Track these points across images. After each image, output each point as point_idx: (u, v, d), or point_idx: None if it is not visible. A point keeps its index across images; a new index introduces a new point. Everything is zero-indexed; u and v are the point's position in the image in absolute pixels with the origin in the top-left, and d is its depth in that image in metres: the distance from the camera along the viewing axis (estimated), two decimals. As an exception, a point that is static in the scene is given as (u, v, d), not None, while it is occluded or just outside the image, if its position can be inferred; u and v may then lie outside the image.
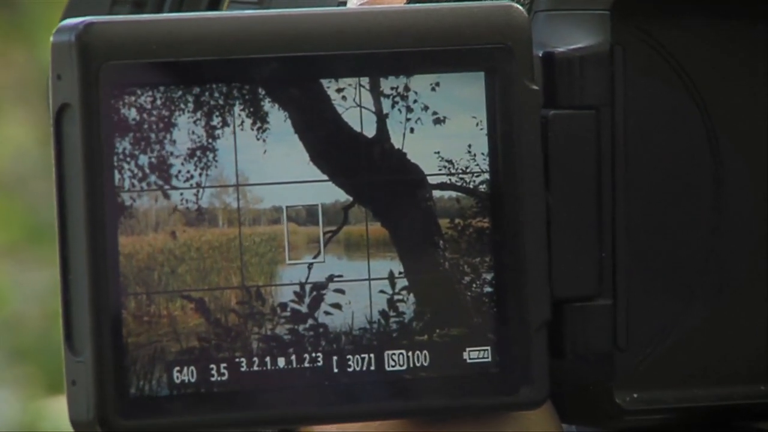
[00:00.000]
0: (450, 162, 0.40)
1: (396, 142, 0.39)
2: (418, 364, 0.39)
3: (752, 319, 0.45)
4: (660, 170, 0.43)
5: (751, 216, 0.44)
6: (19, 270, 2.31)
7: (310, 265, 0.39)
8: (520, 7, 0.41)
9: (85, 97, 0.37)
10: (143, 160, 0.38)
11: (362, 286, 0.39)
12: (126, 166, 0.38)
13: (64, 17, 0.45)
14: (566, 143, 0.41)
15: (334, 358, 0.39)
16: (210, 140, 0.38)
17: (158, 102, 0.38)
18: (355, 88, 0.39)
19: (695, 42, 0.43)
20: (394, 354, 0.39)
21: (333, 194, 0.39)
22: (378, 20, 0.41)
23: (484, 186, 0.40)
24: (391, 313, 0.39)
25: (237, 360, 0.38)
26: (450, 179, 0.40)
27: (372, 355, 0.39)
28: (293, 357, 0.39)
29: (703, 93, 0.43)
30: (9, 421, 2.22)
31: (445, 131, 0.40)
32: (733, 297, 0.43)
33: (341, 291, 0.39)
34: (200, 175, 0.38)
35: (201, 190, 0.38)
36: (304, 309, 0.39)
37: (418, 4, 0.43)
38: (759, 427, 0.43)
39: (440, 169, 0.40)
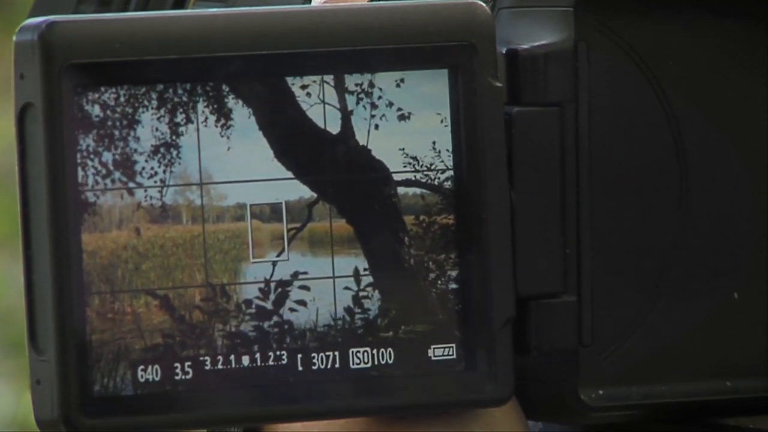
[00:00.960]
0: (415, 159, 0.39)
1: (361, 138, 0.39)
2: (383, 362, 0.39)
3: (716, 316, 0.43)
4: (625, 167, 0.42)
5: (716, 213, 0.43)
6: (11, 263, 2.32)
7: (274, 263, 0.38)
8: (484, 5, 0.40)
9: (47, 96, 0.37)
10: (107, 157, 0.37)
11: (327, 283, 0.39)
12: (89, 163, 0.37)
13: (30, 16, 0.44)
14: (530, 140, 0.41)
15: (299, 356, 0.38)
16: (174, 137, 0.38)
17: (122, 99, 0.37)
18: (320, 85, 0.38)
19: (659, 37, 0.43)
20: (359, 351, 0.39)
21: (297, 191, 0.39)
22: (342, 18, 0.40)
23: (449, 183, 0.39)
24: (356, 310, 0.39)
25: (201, 358, 0.38)
26: (415, 176, 0.39)
27: (337, 353, 0.39)
28: (258, 355, 0.38)
29: (667, 89, 0.43)
30: (3, 412, 2.23)
31: (409, 128, 0.39)
32: (697, 294, 0.42)
33: (306, 288, 0.39)
34: (164, 172, 0.38)
35: (165, 187, 0.38)
36: (269, 306, 0.38)
37: (382, 2, 0.42)
38: (724, 423, 0.42)
39: (405, 166, 0.39)
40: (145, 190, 0.38)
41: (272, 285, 0.38)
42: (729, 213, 0.43)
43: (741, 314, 0.43)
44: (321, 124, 0.39)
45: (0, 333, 2.23)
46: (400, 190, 0.39)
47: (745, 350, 0.43)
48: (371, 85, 0.39)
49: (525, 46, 0.40)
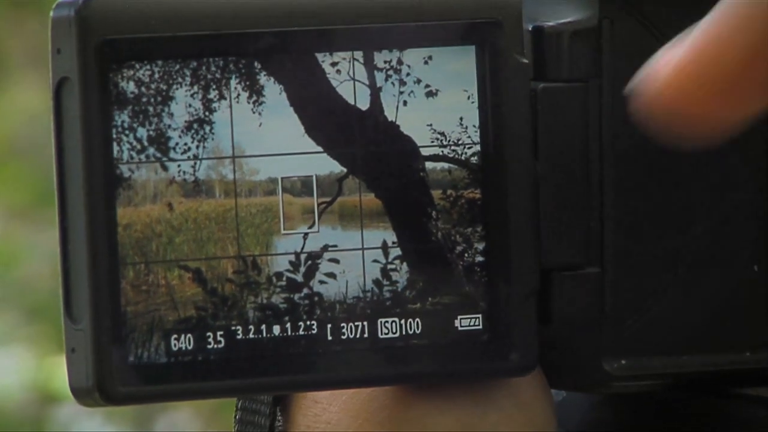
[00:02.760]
0: (442, 134, 0.39)
1: (389, 114, 0.38)
2: (410, 332, 0.39)
3: (737, 289, 0.43)
4: (647, 141, 0.43)
5: (736, 186, 0.43)
6: (32, 231, 2.31)
7: (305, 235, 0.38)
8: None
9: (83, 71, 0.37)
10: (141, 132, 0.37)
11: (356, 255, 0.39)
12: (124, 138, 0.37)
13: None
14: (555, 115, 0.40)
15: (329, 326, 0.38)
16: (207, 113, 0.37)
17: (156, 76, 0.37)
18: (349, 62, 0.38)
19: (682, 16, 0.40)
20: (387, 322, 0.39)
21: (327, 166, 0.39)
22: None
23: (475, 158, 0.39)
24: (385, 282, 0.39)
25: (233, 328, 0.38)
26: (442, 151, 0.39)
27: (365, 324, 0.39)
28: (288, 325, 0.38)
29: None
30: (24, 377, 2.22)
31: (437, 104, 0.39)
32: (718, 266, 0.42)
33: (336, 260, 0.39)
34: (197, 147, 0.38)
35: (198, 162, 0.38)
36: (299, 278, 0.38)
37: None
38: (744, 392, 0.42)
39: (432, 141, 0.39)
40: (179, 165, 0.37)
41: (302, 257, 0.38)
42: (749, 186, 0.43)
43: (762, 287, 0.43)
44: (351, 101, 0.39)
45: (20, 300, 2.19)
46: (428, 164, 0.39)
47: (765, 322, 0.43)
48: (399, 62, 0.39)
49: (551, 23, 0.40)
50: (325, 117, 0.38)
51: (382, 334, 0.38)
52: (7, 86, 2.37)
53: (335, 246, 0.38)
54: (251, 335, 0.38)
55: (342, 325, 0.38)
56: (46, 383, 2.25)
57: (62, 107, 0.37)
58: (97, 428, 2.27)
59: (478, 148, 0.39)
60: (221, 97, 0.37)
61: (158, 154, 0.37)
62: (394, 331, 0.38)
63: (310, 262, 0.38)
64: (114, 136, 0.37)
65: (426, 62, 0.38)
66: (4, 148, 2.42)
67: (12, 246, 2.32)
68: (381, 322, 0.38)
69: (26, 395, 2.27)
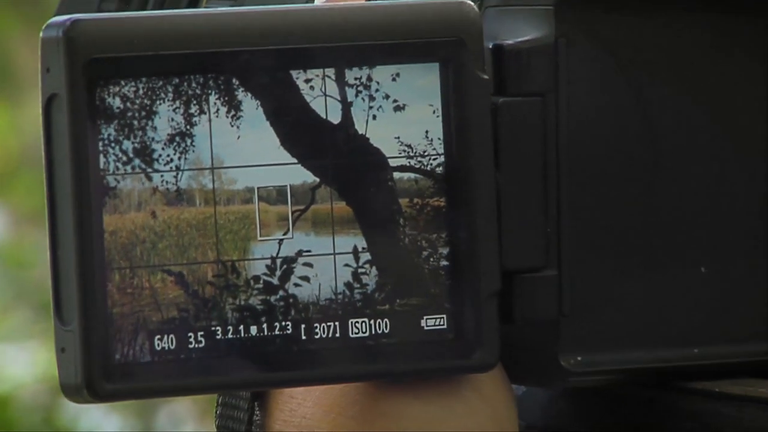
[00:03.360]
0: (409, 146, 0.40)
1: (360, 127, 0.40)
2: (379, 332, 0.40)
3: (685, 289, 0.44)
4: (601, 151, 0.43)
5: (684, 193, 0.44)
6: (44, 235, 2.49)
7: (280, 241, 0.39)
8: (472, 4, 0.41)
9: (71, 88, 0.38)
10: (127, 145, 0.38)
11: (328, 260, 0.40)
12: (111, 150, 0.38)
13: (57, 14, 0.45)
14: (514, 128, 0.42)
15: (303, 326, 0.40)
16: (188, 127, 0.39)
17: (140, 92, 0.38)
18: (322, 79, 0.39)
19: (636, 34, 0.44)
20: (357, 322, 0.40)
21: (301, 176, 0.40)
22: (342, 15, 0.41)
23: (440, 168, 0.40)
24: (355, 285, 0.40)
25: (213, 328, 0.39)
26: (409, 162, 0.40)
27: (337, 323, 0.40)
28: (265, 325, 0.39)
29: (640, 78, 0.44)
30: (36, 369, 2.32)
31: (404, 118, 0.40)
32: (667, 268, 0.43)
33: (309, 264, 0.40)
34: (179, 159, 0.39)
35: (180, 172, 0.39)
36: (275, 281, 0.39)
37: (378, 1, 0.43)
38: (692, 386, 0.43)
39: (400, 153, 0.40)
40: (162, 176, 0.39)
41: (278, 262, 0.40)
42: (696, 194, 0.44)
43: (707, 287, 0.44)
44: (323, 115, 0.40)
45: (33, 299, 2.30)
46: (396, 175, 0.40)
47: (710, 320, 0.44)
48: (369, 78, 0.40)
49: (510, 42, 0.42)
50: (299, 130, 0.39)
51: (352, 334, 0.40)
52: (21, 101, 2.47)
53: (309, 251, 0.39)
54: (230, 335, 0.39)
55: (315, 325, 0.39)
56: (57, 375, 2.37)
57: (51, 122, 0.38)
58: (102, 417, 2.35)
59: (442, 159, 0.40)
60: (201, 111, 0.38)
61: (143, 165, 0.38)
62: (364, 330, 0.40)
63: (285, 266, 0.39)
64: (101, 148, 0.38)
65: (394, 78, 0.40)
66: (18, 159, 2.53)
67: (25, 249, 2.42)
68: (352, 322, 0.40)
69: (38, 386, 2.34)
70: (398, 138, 0.40)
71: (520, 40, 0.42)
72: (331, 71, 0.40)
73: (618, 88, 0.44)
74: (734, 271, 0.45)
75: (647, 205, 0.44)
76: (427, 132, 0.40)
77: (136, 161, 0.38)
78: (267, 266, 0.39)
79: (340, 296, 0.40)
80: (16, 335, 2.45)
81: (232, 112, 0.39)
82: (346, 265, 0.40)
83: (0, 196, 2.68)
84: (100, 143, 0.38)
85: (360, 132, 0.40)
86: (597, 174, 0.43)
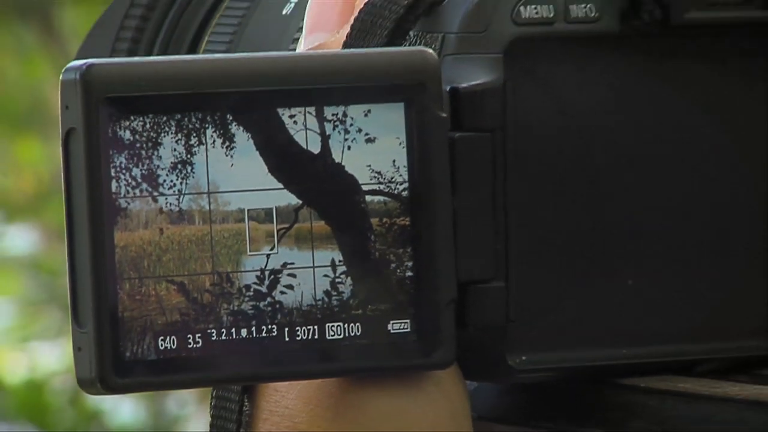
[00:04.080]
0: (379, 173, 0.42)
1: (336, 157, 0.42)
2: (352, 334, 0.42)
3: (617, 297, 0.47)
4: (545, 179, 0.46)
5: (618, 218, 0.46)
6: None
7: (267, 255, 0.42)
8: (432, 52, 0.43)
9: (86, 123, 0.40)
10: (136, 172, 0.40)
11: (309, 271, 0.42)
12: (122, 176, 0.40)
13: (76, 58, 0.46)
14: (468, 158, 0.44)
15: (286, 329, 0.42)
16: (188, 156, 0.41)
17: (147, 126, 0.41)
18: (304, 115, 0.42)
19: (572, 77, 0.46)
20: (333, 326, 0.42)
21: (286, 199, 0.42)
22: (321, 61, 0.44)
23: (405, 192, 0.43)
24: (333, 293, 0.42)
25: (209, 331, 0.41)
26: (379, 187, 0.42)
27: (316, 327, 0.42)
28: (254, 328, 0.41)
29: (580, 118, 0.46)
30: (67, 364, 2.45)
31: (374, 149, 0.42)
32: (601, 280, 0.46)
33: (293, 275, 0.42)
34: (181, 183, 0.41)
35: (181, 195, 0.41)
36: (264, 289, 0.42)
37: (353, 49, 0.45)
38: (620, 382, 0.45)
39: (371, 179, 0.42)
40: (166, 198, 0.41)
41: (266, 273, 0.42)
42: (627, 217, 0.47)
43: (635, 297, 0.46)
44: (305, 146, 0.42)
45: (62, 301, 2.46)
46: (368, 197, 0.42)
47: (637, 325, 0.47)
48: (344, 115, 0.42)
49: (464, 85, 0.44)
50: (284, 159, 0.42)
51: (329, 336, 0.42)
52: (52, 134, 2.51)
53: (293, 263, 0.42)
54: (224, 336, 0.41)
55: (297, 328, 0.42)
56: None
57: (70, 152, 0.41)
58: (120, 398, 2.47)
59: (407, 184, 0.42)
60: (200, 143, 0.41)
61: (150, 189, 0.40)
62: (339, 333, 0.42)
63: (272, 276, 0.41)
64: (113, 174, 0.40)
65: (366, 115, 0.42)
66: (49, 184, 2.61)
67: (55, 260, 2.54)
68: (328, 325, 0.42)
69: (67, 375, 2.48)
70: (369, 166, 0.42)
71: (473, 83, 0.44)
72: (311, 109, 0.42)
73: (559, 124, 0.46)
74: (658, 283, 0.47)
75: (585, 226, 0.46)
76: (394, 161, 0.43)
77: (144, 186, 0.40)
78: (257, 276, 0.41)
79: (319, 302, 0.42)
80: (48, 333, 2.64)
81: (227, 144, 0.41)
82: (325, 275, 0.42)
83: (34, 216, 2.81)
84: (113, 170, 0.40)
85: (336, 161, 0.42)
86: (541, 198, 0.46)
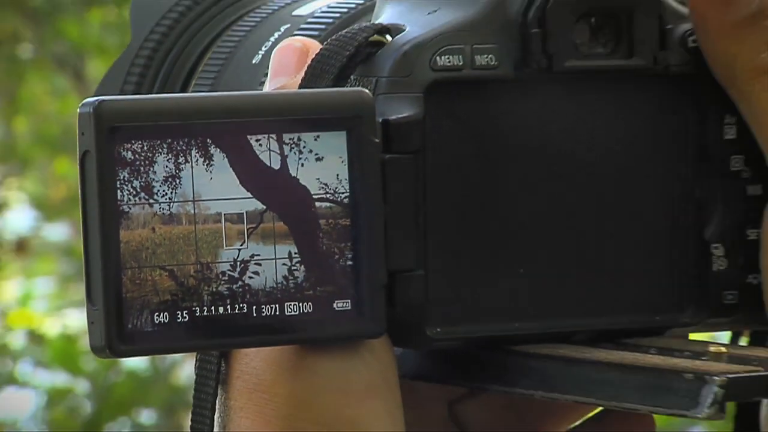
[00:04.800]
0: (326, 185, 0.46)
1: (293, 172, 0.45)
2: (305, 311, 0.46)
3: (513, 280, 0.50)
4: (458, 191, 0.49)
5: (520, 218, 0.49)
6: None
7: (239, 249, 0.45)
8: (368, 92, 0.47)
9: (98, 146, 0.43)
10: (136, 184, 0.44)
11: (272, 261, 0.45)
12: (125, 187, 0.43)
13: (95, 95, 0.50)
14: (395, 174, 0.47)
15: (254, 307, 0.45)
16: (177, 171, 0.44)
17: (145, 148, 0.44)
18: (268, 140, 0.45)
19: (480, 113, 0.49)
20: (290, 304, 0.45)
21: (254, 205, 0.45)
22: (282, 98, 0.47)
23: (347, 200, 0.46)
24: (290, 278, 0.45)
25: (194, 308, 0.44)
26: (326, 195, 0.46)
27: (277, 305, 0.45)
28: (228, 306, 0.45)
29: (488, 145, 0.49)
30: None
31: (322, 166, 0.46)
32: (502, 268, 0.49)
33: (259, 264, 0.45)
34: (171, 193, 0.44)
35: (171, 202, 0.44)
36: (236, 275, 0.45)
37: (307, 89, 0.48)
38: (514, 349, 0.49)
39: (320, 189, 0.46)
40: (159, 204, 0.44)
41: (238, 262, 0.45)
42: (524, 218, 0.49)
43: (526, 282, 0.50)
44: (268, 164, 0.45)
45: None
46: (317, 204, 0.46)
47: (527, 304, 0.50)
48: (299, 139, 0.45)
49: (393, 117, 0.47)
50: (252, 174, 0.45)
51: (287, 312, 0.45)
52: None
53: (258, 255, 0.45)
54: (205, 312, 0.44)
55: (262, 306, 0.45)
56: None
57: (85, 169, 0.44)
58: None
59: (348, 193, 0.46)
60: (186, 161, 0.44)
61: (146, 197, 0.44)
62: (295, 310, 0.45)
63: (242, 265, 0.45)
64: (118, 186, 0.43)
65: (316, 139, 0.45)
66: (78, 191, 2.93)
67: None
68: (287, 304, 0.45)
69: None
70: (318, 179, 0.46)
71: (400, 116, 0.47)
72: (273, 135, 0.45)
73: (468, 147, 0.49)
74: (543, 272, 0.50)
75: (488, 228, 0.49)
76: (337, 175, 0.46)
77: (142, 194, 0.44)
78: (230, 265, 0.45)
79: (279, 285, 0.45)
80: (78, 302, 3.05)
81: (207, 162, 0.44)
82: (284, 264, 0.45)
83: (67, 215, 3.43)
84: (118, 183, 0.43)
85: (293, 175, 0.45)
86: (453, 204, 0.49)
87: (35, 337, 3.17)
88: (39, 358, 3.16)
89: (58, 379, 3.12)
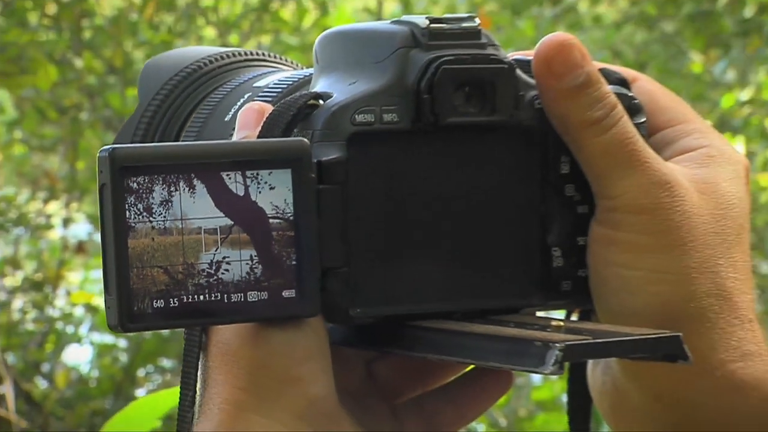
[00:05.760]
0: (277, 206, 0.51)
1: (253, 198, 0.51)
2: (263, 298, 0.51)
3: (416, 274, 0.55)
4: (375, 208, 0.54)
5: (423, 227, 0.54)
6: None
7: (214, 253, 0.50)
8: (307, 140, 0.52)
9: (112, 180, 0.49)
10: (140, 206, 0.49)
11: (238, 262, 0.51)
12: (132, 209, 0.49)
13: (114, 143, 0.55)
14: (326, 199, 0.52)
15: (225, 295, 0.50)
16: (169, 197, 0.49)
17: (146, 181, 0.49)
18: (234, 175, 0.50)
19: (389, 156, 0.54)
20: (252, 293, 0.51)
21: (225, 221, 0.50)
22: (245, 146, 0.53)
23: (291, 217, 0.51)
24: (252, 273, 0.51)
25: (182, 296, 0.50)
26: (277, 214, 0.51)
27: (241, 293, 0.50)
28: (207, 294, 0.50)
29: (393, 178, 0.54)
30: None
31: (274, 193, 0.51)
32: (409, 263, 0.55)
33: (229, 263, 0.50)
34: (165, 213, 0.49)
35: (165, 220, 0.49)
36: (212, 272, 0.50)
37: (263, 139, 0.52)
38: (413, 323, 0.54)
39: (272, 210, 0.51)
40: (156, 221, 0.49)
41: (214, 263, 0.50)
42: (425, 227, 0.54)
43: (425, 276, 0.55)
44: (235, 191, 0.50)
45: None
46: (270, 220, 0.51)
47: (424, 291, 0.55)
48: (257, 174, 0.51)
49: (324, 159, 0.52)
50: (224, 199, 0.50)
51: (249, 299, 0.50)
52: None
53: (228, 257, 0.50)
54: (190, 299, 0.50)
55: (231, 294, 0.50)
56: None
57: (103, 197, 0.49)
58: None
59: (292, 213, 0.51)
60: (176, 190, 0.49)
61: (147, 216, 0.49)
62: (255, 297, 0.51)
63: (217, 264, 0.50)
64: (127, 208, 0.48)
65: (269, 174, 0.50)
66: None
67: None
68: (248, 293, 0.50)
69: None
70: (271, 202, 0.51)
71: (329, 158, 0.52)
72: (239, 172, 0.50)
73: (380, 180, 0.54)
74: (437, 268, 0.55)
75: (397, 236, 0.54)
76: (285, 200, 0.51)
77: (144, 214, 0.49)
78: (208, 264, 0.50)
79: (243, 279, 0.50)
80: None
81: (191, 191, 0.50)
82: (246, 264, 0.50)
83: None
84: (126, 206, 0.49)
85: (253, 200, 0.50)
86: (369, 220, 0.54)
87: (90, 309, 4.07)
88: (93, 324, 4.06)
89: (106, 338, 4.00)
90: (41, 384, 3.69)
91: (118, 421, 1.15)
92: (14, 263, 3.74)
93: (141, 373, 4.01)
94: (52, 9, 3.54)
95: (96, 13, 3.59)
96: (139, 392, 3.74)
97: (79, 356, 3.98)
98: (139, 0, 3.55)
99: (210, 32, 3.71)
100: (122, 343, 3.88)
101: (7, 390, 2.96)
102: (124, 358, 3.87)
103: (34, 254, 3.93)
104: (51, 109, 3.63)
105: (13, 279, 3.73)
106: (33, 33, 3.39)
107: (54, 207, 4.06)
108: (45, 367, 3.74)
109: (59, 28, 3.54)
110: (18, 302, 3.71)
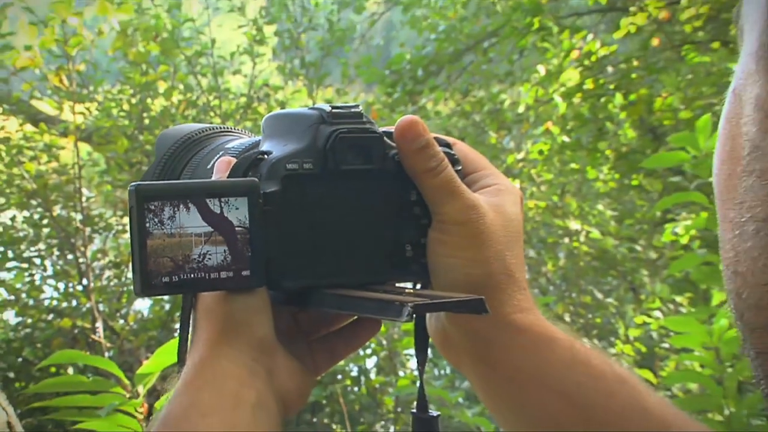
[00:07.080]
0: (240, 220, 0.69)
1: (226, 214, 0.68)
2: (230, 276, 0.69)
3: (334, 260, 0.69)
4: (297, 221, 0.66)
5: (339, 235, 0.68)
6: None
7: (201, 248, 0.68)
8: (257, 179, 0.68)
9: (137, 205, 0.66)
10: (156, 220, 0.67)
11: (216, 254, 0.69)
12: (149, 222, 0.67)
13: (140, 180, 0.69)
14: (269, 216, 0.68)
15: (207, 274, 0.68)
16: (173, 214, 0.67)
17: (158, 204, 0.67)
18: (213, 200, 0.68)
19: (306, 192, 0.68)
20: (222, 273, 0.69)
21: (208, 229, 0.68)
22: (220, 183, 0.70)
23: (248, 226, 0.68)
24: (225, 261, 0.69)
25: (182, 275, 0.67)
26: (239, 225, 0.69)
27: (218, 273, 0.68)
28: (197, 274, 0.68)
29: (311, 207, 0.66)
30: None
31: (237, 212, 0.69)
32: (330, 256, 0.69)
33: (210, 255, 0.68)
34: (171, 223, 0.67)
35: (172, 227, 0.67)
36: (200, 260, 0.68)
37: (231, 179, 0.67)
38: (330, 291, 0.69)
39: (237, 222, 0.69)
40: (166, 229, 0.67)
41: (201, 254, 0.67)
42: (340, 235, 0.67)
43: (342, 261, 0.69)
44: (216, 212, 0.68)
45: None
46: (236, 228, 0.68)
47: (340, 271, 0.69)
48: (227, 201, 0.68)
49: (267, 190, 0.69)
50: (208, 215, 0.68)
51: (222, 276, 0.69)
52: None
53: (210, 251, 0.68)
54: (186, 277, 0.68)
55: (211, 274, 0.68)
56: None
57: (131, 216, 0.66)
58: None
59: (248, 224, 0.69)
60: (177, 210, 0.67)
61: (160, 226, 0.67)
62: (225, 275, 0.69)
63: (204, 255, 0.68)
64: (147, 222, 0.66)
65: (235, 200, 0.69)
66: None
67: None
68: (221, 272, 0.69)
69: None
70: (237, 217, 0.69)
71: (270, 190, 0.69)
72: (217, 199, 0.68)
73: (301, 205, 0.70)
74: (351, 257, 0.68)
75: (320, 239, 0.69)
76: (244, 216, 0.69)
77: (158, 225, 0.66)
78: (198, 255, 0.67)
79: (219, 264, 0.69)
80: None
81: (187, 210, 0.67)
82: (221, 255, 0.69)
83: None
84: (147, 220, 0.66)
85: (226, 216, 0.69)
86: (297, 227, 0.68)
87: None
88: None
89: (156, 297, 4.94)
90: (119, 322, 4.97)
91: (160, 352, 1.62)
92: (103, 252, 5.14)
93: (177, 315, 4.81)
94: (126, 106, 5.29)
95: (151, 109, 5.24)
96: (176, 326, 4.82)
97: (142, 305, 5.17)
98: (176, 101, 5.26)
99: (216, 120, 5.26)
100: (166, 298, 4.58)
101: (99, 325, 4.43)
102: (167, 307, 5.03)
103: (115, 247, 5.20)
104: (125, 164, 5.12)
105: (103, 261, 5.13)
106: (114, 120, 5.10)
107: (126, 220, 5.04)
108: (122, 312, 5.09)
109: (130, 117, 5.24)
110: (107, 273, 5.07)
